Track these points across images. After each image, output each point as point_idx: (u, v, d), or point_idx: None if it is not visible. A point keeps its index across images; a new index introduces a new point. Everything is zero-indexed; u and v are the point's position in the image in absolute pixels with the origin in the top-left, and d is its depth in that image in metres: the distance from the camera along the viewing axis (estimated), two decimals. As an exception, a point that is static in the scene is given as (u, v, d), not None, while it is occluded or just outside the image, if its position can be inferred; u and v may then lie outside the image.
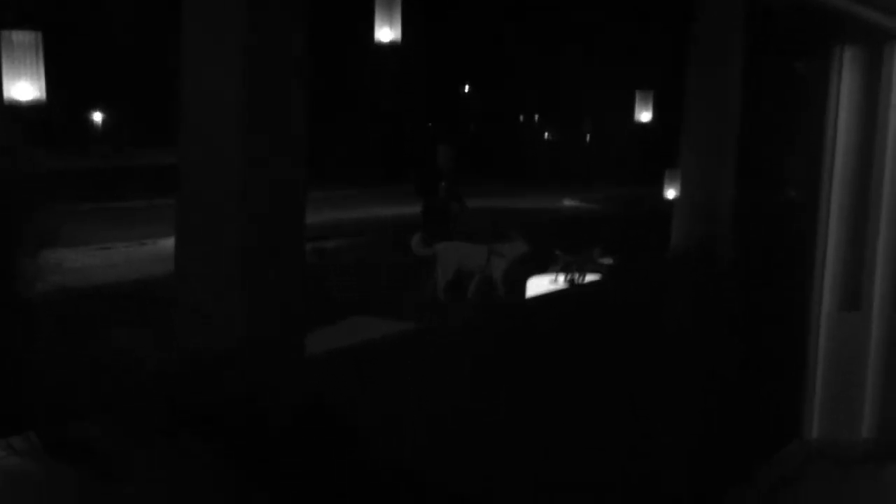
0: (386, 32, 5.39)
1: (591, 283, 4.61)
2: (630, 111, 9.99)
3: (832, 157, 1.35)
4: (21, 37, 3.72)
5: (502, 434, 1.68)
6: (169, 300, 1.27)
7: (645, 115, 9.93)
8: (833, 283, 1.37)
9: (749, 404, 2.30)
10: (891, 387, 1.36)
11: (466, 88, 22.89)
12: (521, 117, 25.12)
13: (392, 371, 1.57)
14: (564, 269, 4.82)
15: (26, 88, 3.76)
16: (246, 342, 1.10)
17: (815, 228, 1.40)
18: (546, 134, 25.62)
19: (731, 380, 2.25)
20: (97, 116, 24.58)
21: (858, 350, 1.35)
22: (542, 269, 5.07)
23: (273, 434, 1.16)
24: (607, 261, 5.10)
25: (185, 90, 1.10)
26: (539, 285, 4.93)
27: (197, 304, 1.13)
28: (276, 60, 1.10)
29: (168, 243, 6.60)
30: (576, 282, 4.72)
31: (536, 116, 25.48)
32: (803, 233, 1.86)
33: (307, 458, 1.22)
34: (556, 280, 4.87)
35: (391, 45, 5.35)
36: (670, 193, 7.24)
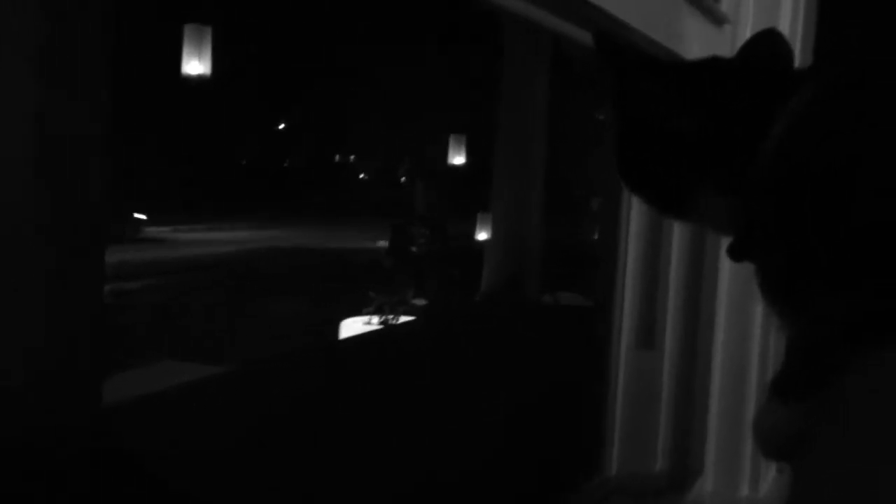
0: (195, 65, 5.21)
1: (405, 324, 4.62)
2: (445, 153, 10.24)
3: (629, 201, 1.41)
4: None
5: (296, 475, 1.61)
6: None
7: (458, 159, 10.22)
8: (630, 321, 1.41)
9: (553, 439, 2.36)
10: (682, 423, 1.41)
11: (281, 126, 22.58)
12: (338, 157, 25.09)
13: (199, 418, 1.46)
14: (378, 310, 4.81)
15: None
16: (23, 387, 0.97)
17: (614, 267, 1.45)
18: (362, 174, 25.75)
19: (537, 414, 2.29)
20: None
21: (653, 387, 1.39)
22: (355, 311, 5.03)
23: (56, 486, 1.02)
24: (421, 301, 5.15)
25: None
26: (352, 327, 4.88)
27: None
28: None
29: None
30: (389, 323, 4.72)
31: (352, 157, 25.55)
32: (607, 270, 1.94)
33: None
34: (369, 321, 4.84)
35: (199, 79, 5.17)
36: (482, 235, 7.47)
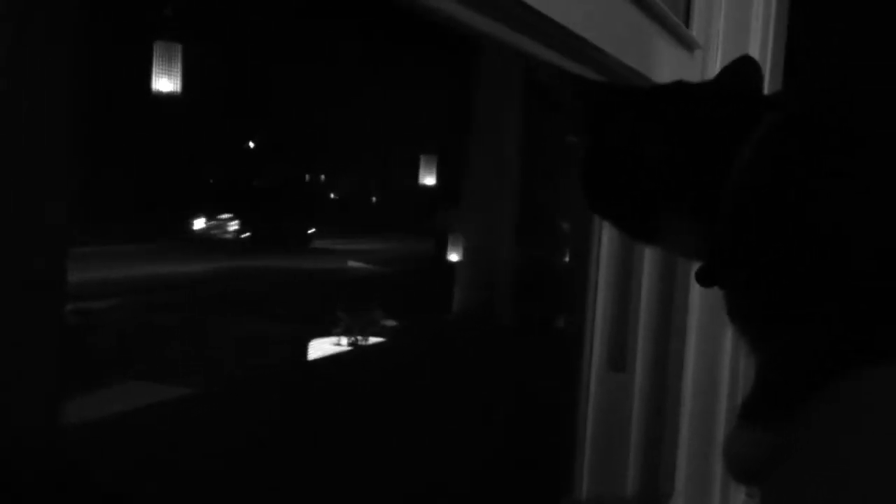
0: (165, 83, 5.18)
1: (374, 345, 4.59)
2: (416, 174, 10.26)
3: (600, 223, 1.41)
4: None
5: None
6: None
7: (429, 179, 10.25)
8: (601, 343, 1.41)
9: (523, 460, 2.35)
10: (652, 445, 1.41)
11: (251, 144, 22.50)
12: (308, 176, 25.04)
13: (163, 439, 1.43)
14: (347, 331, 4.78)
15: None
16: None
17: (585, 290, 1.45)
18: (332, 194, 25.70)
19: (506, 436, 2.28)
20: None
21: (623, 410, 1.39)
22: (324, 333, 5.00)
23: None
24: (390, 322, 5.13)
25: None
26: (321, 348, 4.84)
27: None
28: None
29: None
30: (358, 344, 4.69)
31: (323, 176, 25.50)
32: (579, 293, 1.94)
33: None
34: (338, 342, 4.81)
35: (170, 97, 5.14)
36: (454, 257, 7.47)
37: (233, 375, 5.52)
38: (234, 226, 18.77)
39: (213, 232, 18.18)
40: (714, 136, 0.68)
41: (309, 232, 18.66)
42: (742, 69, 0.77)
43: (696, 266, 0.73)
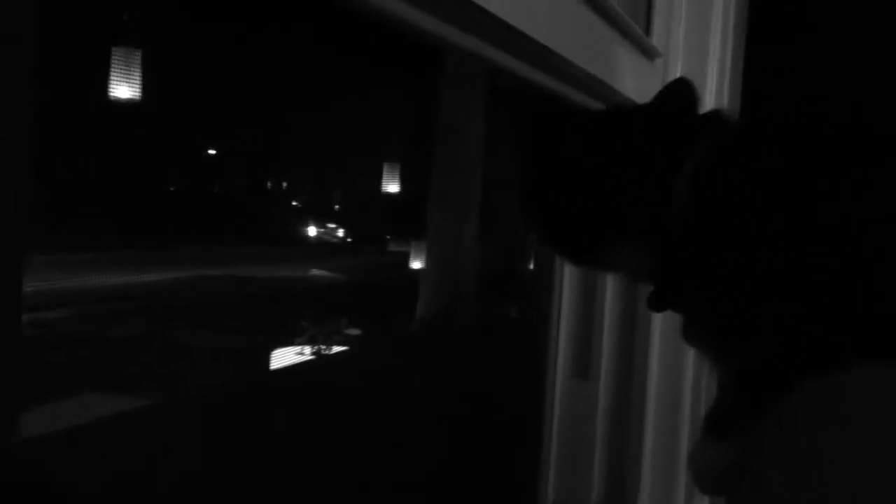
0: (124, 90, 5.11)
1: (338, 354, 4.56)
2: (379, 181, 10.24)
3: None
4: None
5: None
6: None
7: (393, 187, 10.23)
8: (566, 352, 1.41)
9: (488, 468, 2.34)
10: (616, 453, 1.42)
11: (213, 151, 22.27)
12: (269, 183, 24.86)
13: (120, 451, 1.39)
14: (311, 340, 4.74)
15: None
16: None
17: (550, 298, 1.45)
18: (294, 202, 25.55)
19: (472, 444, 2.28)
20: None
21: (588, 417, 1.39)
22: (287, 342, 4.95)
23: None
24: (355, 331, 5.10)
25: None
26: (284, 357, 4.80)
27: None
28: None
29: None
30: (322, 353, 4.66)
31: (285, 183, 25.34)
32: (543, 301, 1.95)
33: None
34: (302, 352, 4.77)
35: (129, 103, 5.07)
36: (416, 264, 7.46)
37: (192, 387, 5.44)
38: (193, 233, 18.55)
39: (171, 239, 17.95)
40: (652, 160, 0.67)
41: (268, 238, 18.51)
42: (678, 91, 0.77)
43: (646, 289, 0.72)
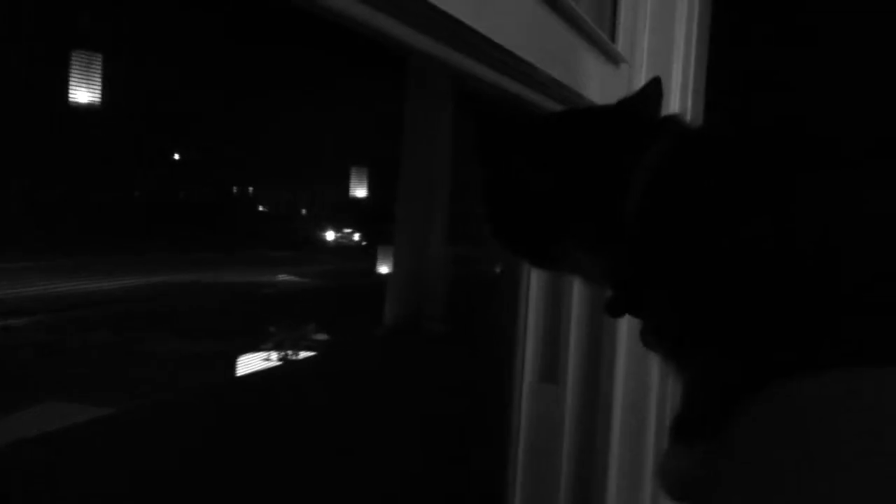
0: (83, 94, 5.03)
1: (305, 359, 4.53)
2: (346, 185, 10.21)
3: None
4: None
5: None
6: None
7: (360, 191, 10.21)
8: (533, 355, 1.41)
9: (455, 474, 2.34)
10: (584, 458, 1.42)
11: (177, 156, 22.04)
12: (235, 188, 24.66)
13: (86, 463, 1.37)
14: (278, 346, 4.71)
15: None
16: None
17: (517, 301, 1.45)
18: (260, 206, 25.37)
19: (439, 450, 2.27)
20: None
21: (556, 422, 1.40)
22: (254, 348, 4.91)
23: None
24: (322, 336, 5.07)
25: None
26: (251, 363, 4.76)
27: None
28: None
29: None
30: (289, 358, 4.62)
31: (251, 188, 25.15)
32: (511, 304, 1.95)
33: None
34: (269, 357, 4.73)
35: (88, 107, 4.99)
36: (384, 268, 7.45)
37: (157, 394, 5.37)
38: (158, 238, 18.35)
39: (137, 246, 17.72)
40: (606, 164, 0.66)
41: (235, 243, 18.35)
42: (651, 91, 0.77)
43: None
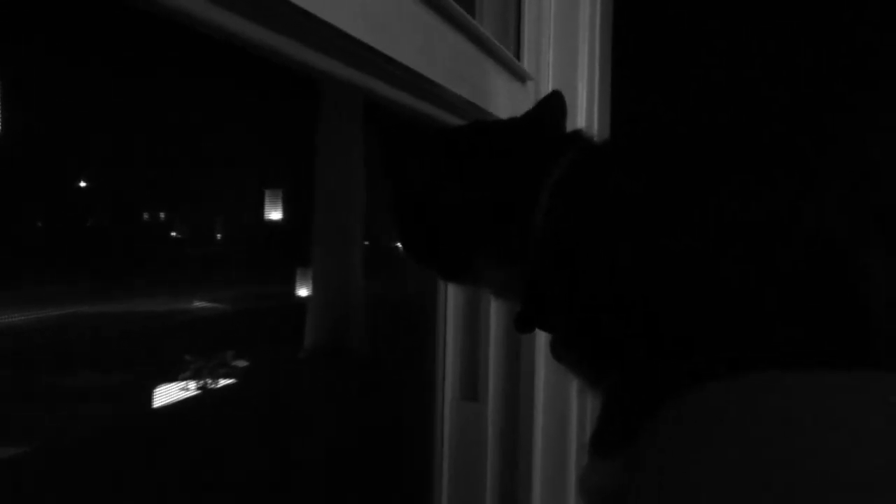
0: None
1: (225, 387, 4.42)
2: (261, 209, 10.05)
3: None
4: None
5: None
6: None
7: (275, 214, 10.06)
8: (453, 373, 1.41)
9: (381, 491, 2.31)
10: (508, 473, 1.42)
11: (83, 183, 21.32)
12: (146, 214, 23.99)
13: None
14: (195, 375, 4.58)
15: None
16: None
17: (436, 319, 1.45)
18: (173, 232, 24.73)
19: (364, 467, 2.24)
20: None
21: (479, 438, 1.40)
22: (171, 377, 4.76)
23: None
24: (241, 363, 4.96)
25: None
26: (168, 393, 4.61)
27: None
28: None
29: None
30: (208, 387, 4.50)
31: (162, 214, 24.51)
32: (430, 322, 1.94)
33: None
34: (186, 387, 4.59)
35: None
36: (303, 292, 7.34)
37: (67, 433, 5.14)
38: (64, 268, 17.66)
39: (40, 277, 17.01)
40: (515, 179, 0.66)
41: (146, 271, 17.82)
42: (552, 104, 0.77)
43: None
